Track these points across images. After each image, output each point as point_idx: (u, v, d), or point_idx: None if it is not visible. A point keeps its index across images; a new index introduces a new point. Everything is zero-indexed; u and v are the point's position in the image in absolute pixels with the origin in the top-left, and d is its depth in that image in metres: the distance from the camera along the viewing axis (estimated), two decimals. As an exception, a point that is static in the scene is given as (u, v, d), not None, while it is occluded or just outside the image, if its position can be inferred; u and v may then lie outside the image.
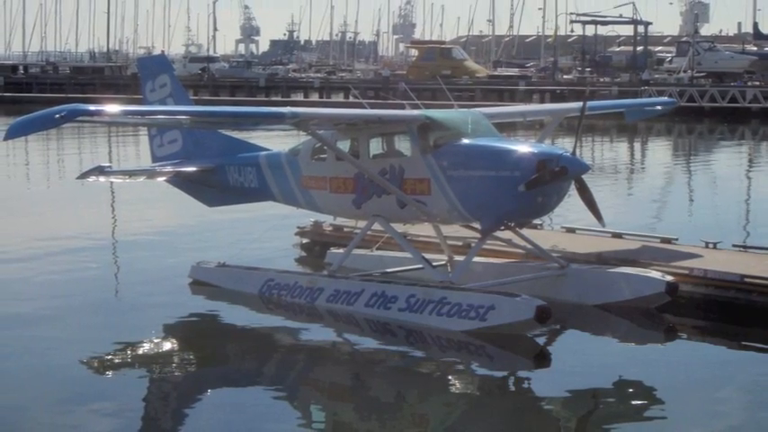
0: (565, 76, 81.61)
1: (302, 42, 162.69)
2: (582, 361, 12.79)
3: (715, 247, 16.24)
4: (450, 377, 12.29)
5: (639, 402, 11.26)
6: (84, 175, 16.72)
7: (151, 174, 17.71)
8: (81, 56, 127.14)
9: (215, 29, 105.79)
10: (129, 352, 12.95)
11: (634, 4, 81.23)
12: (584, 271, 15.12)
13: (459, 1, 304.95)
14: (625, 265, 15.20)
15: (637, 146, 50.14)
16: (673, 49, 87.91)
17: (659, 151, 47.88)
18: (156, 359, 12.80)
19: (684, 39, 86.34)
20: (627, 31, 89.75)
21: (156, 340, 13.52)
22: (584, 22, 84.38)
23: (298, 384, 12.04)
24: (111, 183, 24.62)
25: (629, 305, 14.48)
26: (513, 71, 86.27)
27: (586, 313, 14.57)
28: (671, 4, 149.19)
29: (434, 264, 15.05)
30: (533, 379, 12.22)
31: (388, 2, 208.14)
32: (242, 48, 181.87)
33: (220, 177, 16.97)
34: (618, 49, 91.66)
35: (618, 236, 17.18)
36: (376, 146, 15.17)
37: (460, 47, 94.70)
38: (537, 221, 17.07)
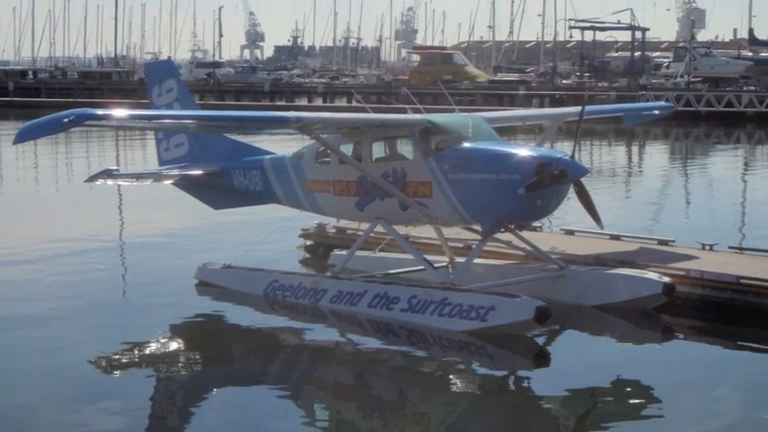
0: (564, 81, 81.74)
1: (306, 48, 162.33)
2: (581, 361, 12.91)
3: (711, 249, 16.38)
4: (451, 376, 12.42)
5: (637, 401, 11.37)
6: (92, 179, 16.95)
7: (158, 177, 17.81)
8: (89, 61, 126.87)
9: (220, 35, 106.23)
10: (136, 352, 13.08)
11: (632, 11, 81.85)
12: (582, 272, 15.25)
13: (460, 7, 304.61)
14: (623, 266, 15.33)
15: (634, 149, 50.30)
16: (670, 54, 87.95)
17: (656, 155, 48.03)
18: (162, 359, 12.95)
19: (681, 44, 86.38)
20: (625, 36, 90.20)
21: (162, 340, 13.65)
22: (583, 28, 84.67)
23: (302, 383, 12.20)
24: (119, 186, 24.79)
25: (627, 306, 14.61)
26: (513, 76, 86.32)
27: (585, 314, 14.70)
28: (668, 10, 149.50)
29: (436, 265, 15.20)
30: (533, 378, 12.34)
31: (390, 8, 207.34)
32: (247, 53, 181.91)
33: (226, 180, 17.13)
34: (616, 55, 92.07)
35: (616, 238, 17.32)
36: (378, 149, 15.28)
37: (461, 52, 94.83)
38: (536, 224, 17.19)
